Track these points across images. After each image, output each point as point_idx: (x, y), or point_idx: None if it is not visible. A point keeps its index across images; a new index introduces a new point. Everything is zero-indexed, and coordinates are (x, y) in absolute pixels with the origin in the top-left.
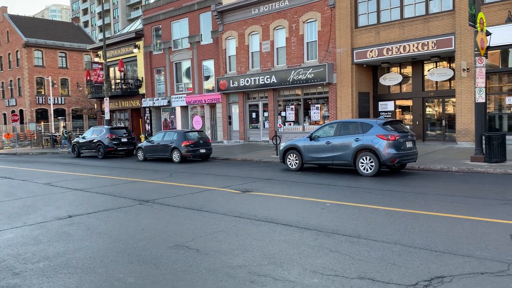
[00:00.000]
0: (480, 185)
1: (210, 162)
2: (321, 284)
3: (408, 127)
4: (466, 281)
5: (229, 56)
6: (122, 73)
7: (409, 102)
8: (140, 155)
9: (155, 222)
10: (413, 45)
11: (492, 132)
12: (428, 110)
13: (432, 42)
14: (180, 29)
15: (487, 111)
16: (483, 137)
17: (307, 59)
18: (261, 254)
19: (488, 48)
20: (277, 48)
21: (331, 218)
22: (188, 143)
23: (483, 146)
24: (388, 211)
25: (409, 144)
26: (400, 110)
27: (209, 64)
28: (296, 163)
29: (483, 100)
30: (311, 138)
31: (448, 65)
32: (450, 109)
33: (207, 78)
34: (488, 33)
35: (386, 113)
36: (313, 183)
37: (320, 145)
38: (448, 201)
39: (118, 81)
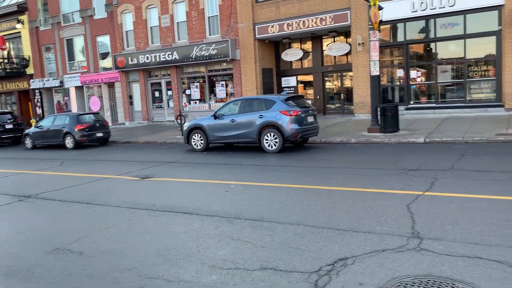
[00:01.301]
0: (377, 155)
1: (109, 146)
2: (220, 280)
3: (310, 101)
4: (368, 261)
5: (126, 31)
6: (5, 51)
7: (310, 77)
8: (28, 142)
9: (35, 221)
10: (312, 20)
11: (386, 104)
12: (328, 85)
13: (330, 17)
14: (69, 2)
15: (381, 83)
16: (378, 108)
17: (210, 35)
18: (155, 251)
19: (381, 22)
20: (177, 23)
21: (235, 201)
22: (82, 127)
23: (379, 117)
24: (292, 189)
25: (310, 119)
26: (302, 85)
27: (105, 40)
28: (201, 143)
29: (378, 73)
30: (215, 116)
31: (345, 40)
32: (348, 83)
33: (104, 55)
34: (380, 8)
35: (289, 89)
36: (218, 164)
37: (225, 124)
38: (349, 174)
39: (0, 60)
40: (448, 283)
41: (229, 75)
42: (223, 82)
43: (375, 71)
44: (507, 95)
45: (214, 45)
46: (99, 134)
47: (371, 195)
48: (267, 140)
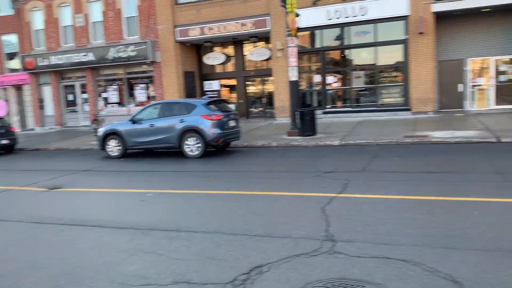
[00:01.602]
0: (296, 159)
1: (16, 154)
2: None
3: (233, 106)
4: (283, 268)
5: (36, 30)
6: None
7: (233, 81)
8: None
9: None
10: (233, 24)
11: (304, 108)
12: (251, 89)
13: (251, 22)
14: None
15: (300, 88)
16: (297, 112)
17: (128, 36)
18: (59, 270)
19: (299, 29)
20: (93, 23)
21: (151, 211)
22: None
23: (298, 121)
24: (211, 195)
25: (232, 123)
26: (228, 89)
27: (11, 39)
28: (118, 149)
29: (296, 78)
30: (133, 121)
31: (266, 45)
32: (269, 88)
33: (11, 56)
34: (297, 15)
35: (212, 93)
36: (136, 171)
37: (144, 128)
38: (268, 178)
39: None
40: (359, 285)
41: (149, 77)
42: (144, 85)
43: (294, 76)
44: (413, 99)
45: (133, 46)
46: (4, 141)
47: (289, 198)
48: (188, 145)
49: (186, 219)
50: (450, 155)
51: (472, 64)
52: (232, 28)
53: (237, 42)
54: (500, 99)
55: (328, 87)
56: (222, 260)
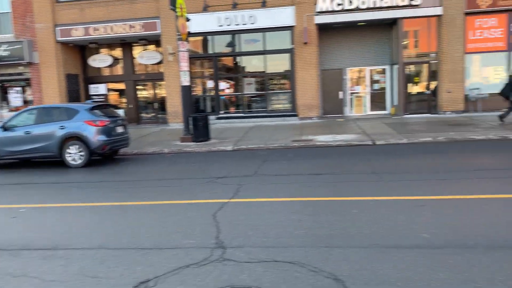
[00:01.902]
0: (189, 165)
1: None
2: None
3: (122, 111)
4: (171, 281)
5: None
6: None
7: (122, 85)
8: None
9: None
10: (121, 26)
11: (197, 114)
12: (142, 93)
13: (140, 24)
14: None
15: (194, 93)
16: (190, 118)
17: (0, 34)
18: None
19: (190, 33)
20: None
21: (24, 229)
22: None
23: (191, 126)
24: (95, 208)
25: (120, 129)
26: (117, 93)
27: None
28: None
29: (188, 83)
30: (5, 128)
31: (156, 48)
32: (161, 92)
33: None
34: (188, 19)
35: (99, 97)
36: (7, 184)
37: (18, 136)
38: (159, 186)
39: None
40: None
41: (26, 80)
42: (19, 88)
43: (186, 81)
44: (300, 105)
45: (6, 45)
46: None
47: (180, 207)
48: (70, 154)
49: (66, 236)
50: (333, 158)
51: (350, 73)
52: (120, 30)
53: (126, 44)
54: (374, 106)
55: (221, 93)
56: (104, 278)
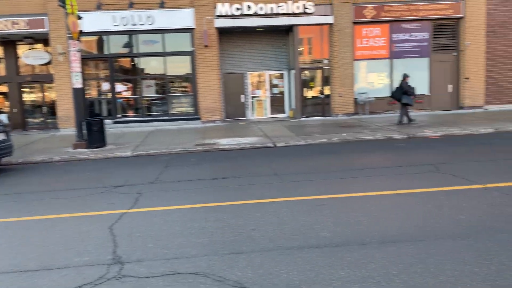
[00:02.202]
0: (82, 173)
1: None
2: None
3: (5, 116)
4: None
5: None
6: None
7: (4, 87)
8: None
9: None
10: (2, 22)
11: (91, 118)
12: (28, 96)
13: (24, 21)
14: None
15: (89, 96)
16: (83, 123)
17: None
18: None
19: (83, 33)
20: None
21: None
22: None
23: (84, 132)
24: None
25: (1, 136)
26: (2, 96)
27: None
28: None
29: (80, 85)
30: None
31: (45, 48)
32: (51, 95)
33: None
34: (79, 17)
35: None
36: None
37: None
38: (48, 199)
39: None
40: None
41: None
42: None
43: (78, 83)
44: (202, 109)
45: None
46: None
47: (72, 221)
48: None
49: None
50: (236, 161)
51: (251, 77)
52: (1, 27)
53: (8, 42)
54: (274, 109)
55: (118, 96)
56: None
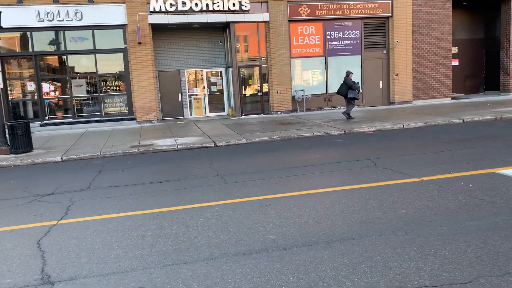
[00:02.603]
0: (6, 181)
1: None
2: None
3: None
4: None
5: None
6: None
7: None
8: None
9: None
10: None
11: (16, 121)
12: None
13: None
14: None
15: (12, 97)
16: (6, 126)
17: None
18: None
19: (3, 28)
20: None
21: None
22: None
23: (7, 136)
24: None
25: None
26: None
27: None
28: None
29: (1, 86)
30: None
31: None
32: None
33: None
34: None
35: None
36: None
37: None
38: None
39: None
40: None
41: None
42: None
43: None
44: (137, 108)
45: None
46: None
47: None
48: None
49: None
50: (175, 162)
51: (188, 75)
52: None
53: None
54: (212, 107)
55: (45, 96)
56: None
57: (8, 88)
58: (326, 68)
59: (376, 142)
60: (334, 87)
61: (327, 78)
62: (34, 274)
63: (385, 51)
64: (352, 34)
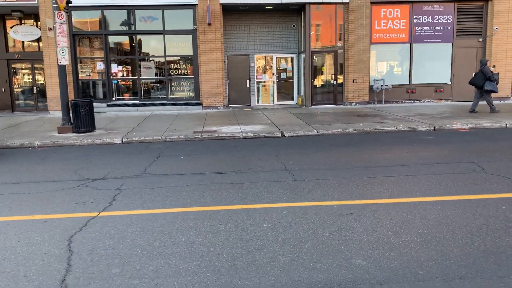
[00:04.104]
0: (61, 162)
1: None
2: None
3: None
4: None
5: None
6: None
7: None
8: None
9: None
10: None
11: (78, 99)
12: (18, 76)
13: None
14: None
15: (82, 77)
16: (70, 104)
17: None
18: None
19: (75, 7)
20: None
21: None
22: None
23: (71, 114)
24: None
25: None
26: None
27: None
28: None
29: (67, 62)
30: None
31: (35, 23)
32: (42, 75)
33: None
34: None
35: None
36: None
37: None
38: (7, 194)
39: None
40: None
41: None
42: None
43: (64, 60)
44: (204, 93)
45: None
46: None
47: (22, 226)
48: None
49: None
50: (239, 152)
51: (257, 60)
52: None
53: None
54: (281, 96)
55: (113, 77)
56: None
57: (79, 66)
58: (410, 56)
59: (476, 142)
60: (418, 77)
61: (411, 67)
62: (53, 282)
63: (481, 39)
64: (443, 19)
